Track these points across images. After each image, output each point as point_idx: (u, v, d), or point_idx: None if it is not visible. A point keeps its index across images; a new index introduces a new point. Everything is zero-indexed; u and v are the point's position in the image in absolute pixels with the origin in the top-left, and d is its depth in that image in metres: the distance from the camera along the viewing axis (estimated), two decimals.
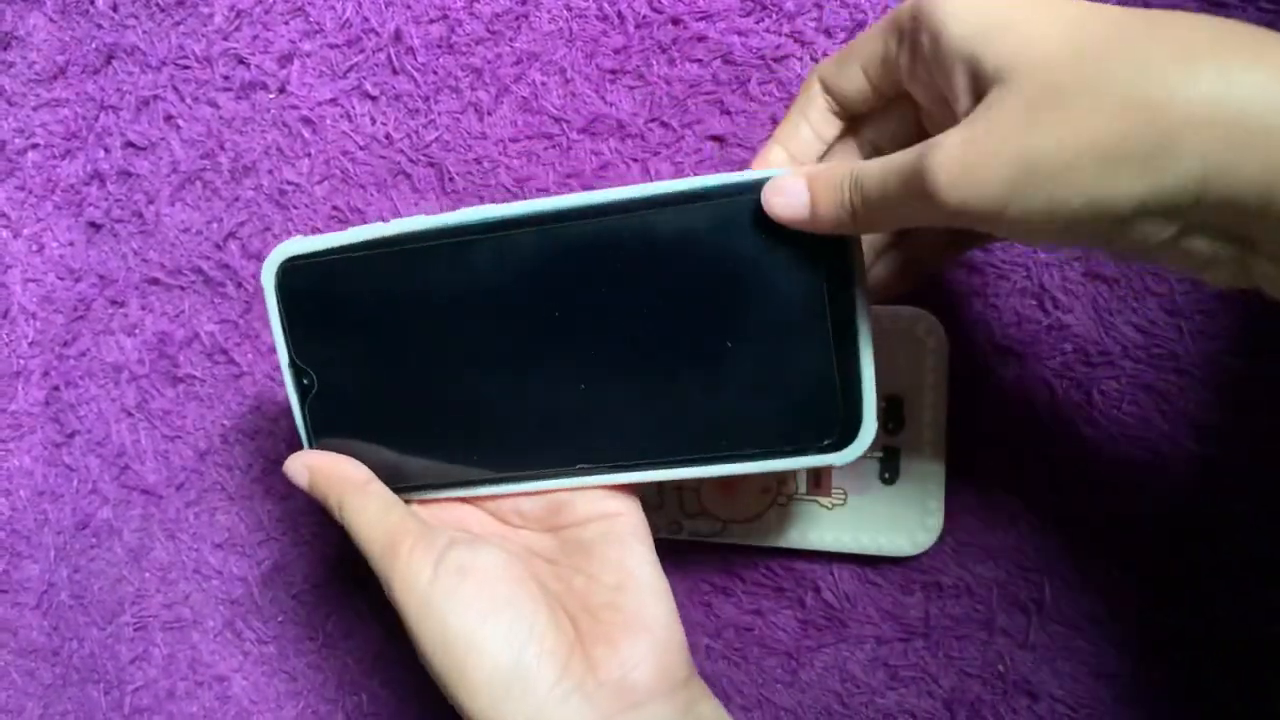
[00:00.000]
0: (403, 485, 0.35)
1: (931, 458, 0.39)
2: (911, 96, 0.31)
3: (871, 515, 0.40)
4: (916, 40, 0.28)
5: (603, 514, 0.34)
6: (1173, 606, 0.39)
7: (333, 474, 0.35)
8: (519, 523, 0.35)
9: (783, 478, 0.41)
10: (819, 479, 0.41)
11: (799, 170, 0.30)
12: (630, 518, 0.34)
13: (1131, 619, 0.39)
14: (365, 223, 0.45)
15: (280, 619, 0.48)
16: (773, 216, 0.30)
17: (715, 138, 0.42)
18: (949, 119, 0.27)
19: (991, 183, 0.24)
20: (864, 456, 0.38)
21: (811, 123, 0.33)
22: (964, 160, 0.24)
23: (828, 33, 0.41)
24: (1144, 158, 0.22)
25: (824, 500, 0.40)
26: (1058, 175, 0.23)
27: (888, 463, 0.40)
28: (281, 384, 0.46)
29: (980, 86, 0.26)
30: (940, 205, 0.25)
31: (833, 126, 0.33)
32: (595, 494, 0.34)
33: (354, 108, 0.45)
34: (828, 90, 0.32)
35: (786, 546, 0.41)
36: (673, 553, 0.43)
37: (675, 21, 0.42)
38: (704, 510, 0.41)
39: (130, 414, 0.49)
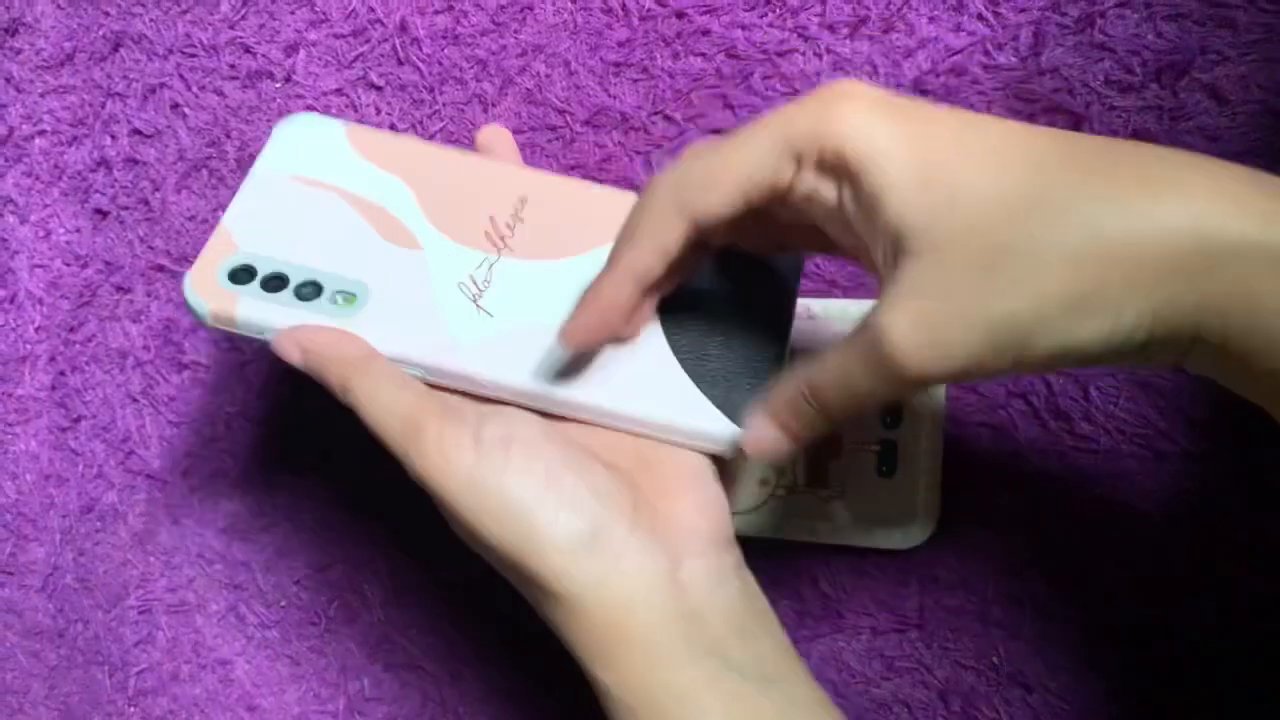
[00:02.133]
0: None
1: (928, 451, 0.40)
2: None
3: (868, 508, 0.40)
4: (834, 178, 0.27)
5: None
6: (1167, 601, 0.39)
7: (331, 353, 0.33)
8: None
9: (781, 470, 0.41)
10: (817, 472, 0.41)
11: (757, 409, 0.31)
12: None
13: (1125, 613, 0.40)
14: None
15: (283, 603, 0.49)
16: (761, 459, 0.32)
17: (718, 131, 0.42)
18: (846, 239, 0.29)
19: (959, 351, 0.25)
20: (862, 449, 0.39)
21: (666, 251, 0.30)
22: (928, 334, 0.25)
23: (831, 28, 0.41)
24: (1102, 303, 0.23)
25: (821, 492, 0.41)
26: (1025, 334, 0.24)
27: (885, 456, 0.40)
28: (282, 368, 0.47)
29: (908, 246, 0.25)
30: (906, 381, 0.26)
31: (680, 247, 0.30)
32: None
33: (359, 98, 0.46)
34: (688, 215, 0.29)
35: (784, 539, 0.41)
36: None
37: (679, 15, 0.42)
38: None
39: (135, 399, 0.49)
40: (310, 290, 0.34)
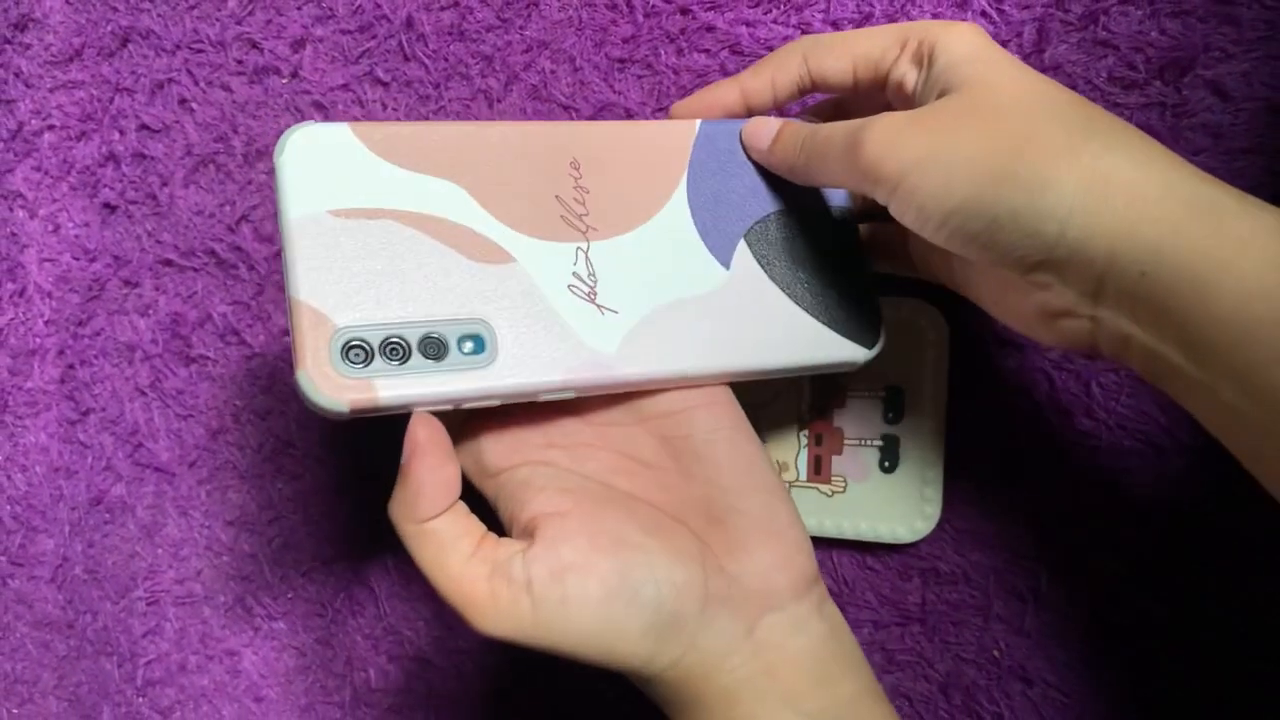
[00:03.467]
0: None
1: (931, 447, 0.40)
2: (872, 98, 0.35)
3: (871, 502, 0.41)
4: (918, 66, 0.32)
5: (692, 405, 0.33)
6: (1168, 595, 0.40)
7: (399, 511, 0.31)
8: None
9: (784, 465, 0.41)
10: (819, 466, 0.41)
11: (779, 120, 0.35)
12: (727, 407, 0.34)
13: (1127, 607, 0.40)
14: None
15: (290, 595, 0.49)
16: (744, 142, 0.36)
17: None
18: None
19: (902, 154, 0.29)
20: (865, 445, 0.39)
21: (775, 84, 0.36)
22: (891, 132, 0.29)
23: (834, 25, 0.41)
24: (1027, 180, 0.27)
25: (824, 487, 0.41)
26: (954, 166, 0.28)
27: (888, 451, 0.40)
28: (290, 364, 0.47)
29: (953, 75, 0.30)
30: (856, 161, 0.30)
31: (792, 94, 0.36)
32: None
33: (365, 93, 0.46)
34: (807, 65, 0.35)
35: None
36: None
37: (684, 11, 0.42)
38: None
39: (144, 393, 0.50)
40: (437, 346, 0.31)
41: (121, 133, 0.49)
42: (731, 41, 0.42)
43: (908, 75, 0.32)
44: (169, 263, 0.49)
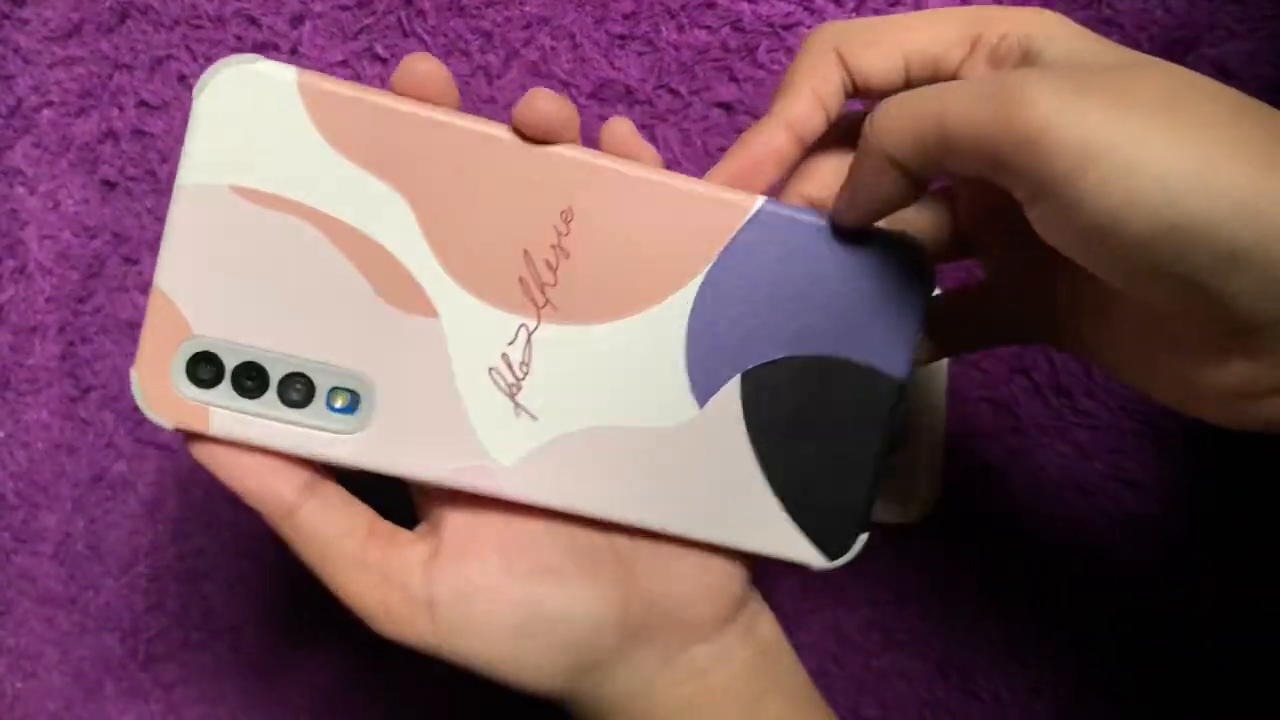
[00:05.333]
0: None
1: (930, 427, 0.40)
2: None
3: None
4: (1003, 60, 0.25)
5: None
6: (1166, 577, 0.40)
7: (258, 499, 0.27)
8: None
9: None
10: None
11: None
12: None
13: (1124, 588, 0.40)
14: None
15: (294, 572, 0.49)
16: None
17: (723, 105, 0.42)
18: None
19: (1102, 129, 0.20)
20: None
21: (824, 102, 0.28)
22: (1071, 90, 0.20)
23: (837, 2, 0.41)
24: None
25: None
26: (1181, 161, 0.19)
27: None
28: None
29: None
30: (1011, 125, 0.21)
31: (839, 102, 0.28)
32: None
33: (365, 70, 0.46)
34: (845, 65, 0.27)
35: None
36: None
37: None
38: None
39: None
40: (301, 391, 0.26)
41: (121, 109, 0.49)
42: (733, 18, 0.42)
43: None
44: None
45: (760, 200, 0.27)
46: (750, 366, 0.27)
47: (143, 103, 0.48)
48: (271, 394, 0.25)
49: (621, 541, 0.29)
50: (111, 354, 0.50)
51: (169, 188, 0.48)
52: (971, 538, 0.41)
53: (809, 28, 0.41)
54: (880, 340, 0.27)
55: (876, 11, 0.41)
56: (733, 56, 0.42)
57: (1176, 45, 0.38)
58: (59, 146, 0.49)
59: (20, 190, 0.50)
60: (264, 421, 0.26)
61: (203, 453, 0.26)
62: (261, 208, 0.25)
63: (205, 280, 0.25)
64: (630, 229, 0.26)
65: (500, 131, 0.26)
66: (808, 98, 0.27)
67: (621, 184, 0.26)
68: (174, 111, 0.48)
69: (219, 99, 0.24)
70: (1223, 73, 0.37)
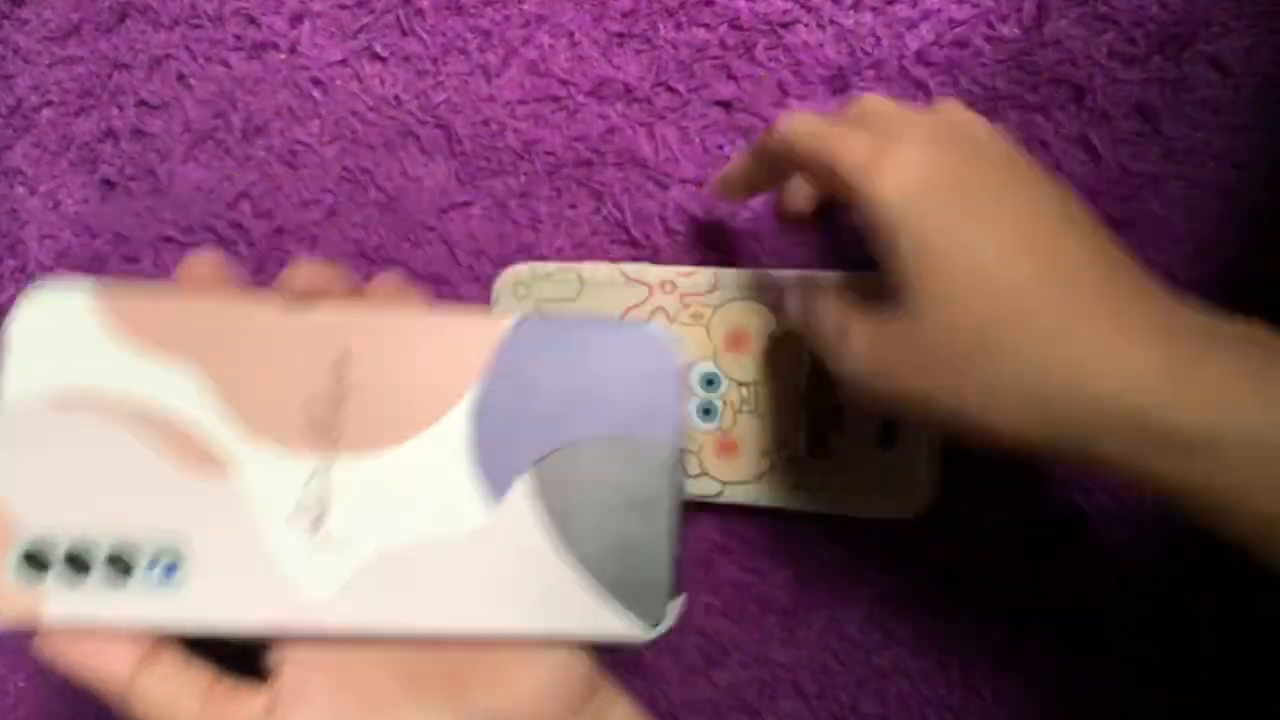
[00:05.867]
0: None
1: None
2: None
3: (870, 478, 0.41)
4: (854, 208, 0.30)
5: None
6: (1170, 570, 0.40)
7: (93, 676, 0.27)
8: None
9: (783, 440, 0.41)
10: (818, 442, 0.41)
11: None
12: None
13: (1127, 584, 0.40)
14: (374, 183, 0.46)
15: None
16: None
17: (721, 103, 0.42)
18: None
19: (881, 394, 0.30)
20: (864, 420, 0.39)
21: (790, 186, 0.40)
22: (864, 367, 0.30)
23: None
24: (991, 429, 0.28)
25: (822, 463, 0.41)
26: (928, 416, 0.29)
27: (886, 427, 0.40)
28: None
29: (895, 284, 0.29)
30: (844, 386, 0.31)
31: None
32: None
33: (363, 69, 0.46)
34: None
35: (785, 508, 0.42)
36: None
37: None
38: (704, 473, 0.42)
39: None
40: (122, 567, 0.27)
41: (120, 109, 0.49)
42: (731, 16, 0.42)
43: (855, 214, 0.31)
44: (169, 239, 0.49)
45: (516, 315, 0.30)
46: (534, 461, 0.29)
47: (142, 102, 0.48)
48: (98, 574, 0.27)
49: (455, 655, 0.29)
50: None
51: (169, 187, 0.48)
52: (971, 535, 0.41)
53: (807, 26, 0.41)
54: (648, 413, 0.30)
55: (874, 10, 0.41)
56: (731, 54, 0.42)
57: (1173, 41, 0.38)
58: (59, 146, 0.50)
59: (20, 190, 0.50)
60: (94, 602, 0.27)
61: (45, 648, 0.28)
62: (74, 409, 0.28)
63: (29, 483, 0.27)
64: (402, 362, 0.29)
65: (274, 302, 0.29)
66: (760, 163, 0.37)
67: (387, 325, 0.29)
68: (174, 111, 0.48)
69: (28, 324, 0.28)
70: (1219, 69, 0.38)
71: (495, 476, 0.29)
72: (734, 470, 0.42)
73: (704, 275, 0.41)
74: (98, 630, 0.27)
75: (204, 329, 0.28)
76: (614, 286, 0.42)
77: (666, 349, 0.30)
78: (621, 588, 0.29)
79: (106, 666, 0.27)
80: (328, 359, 0.29)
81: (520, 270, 0.43)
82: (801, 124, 0.32)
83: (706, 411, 0.41)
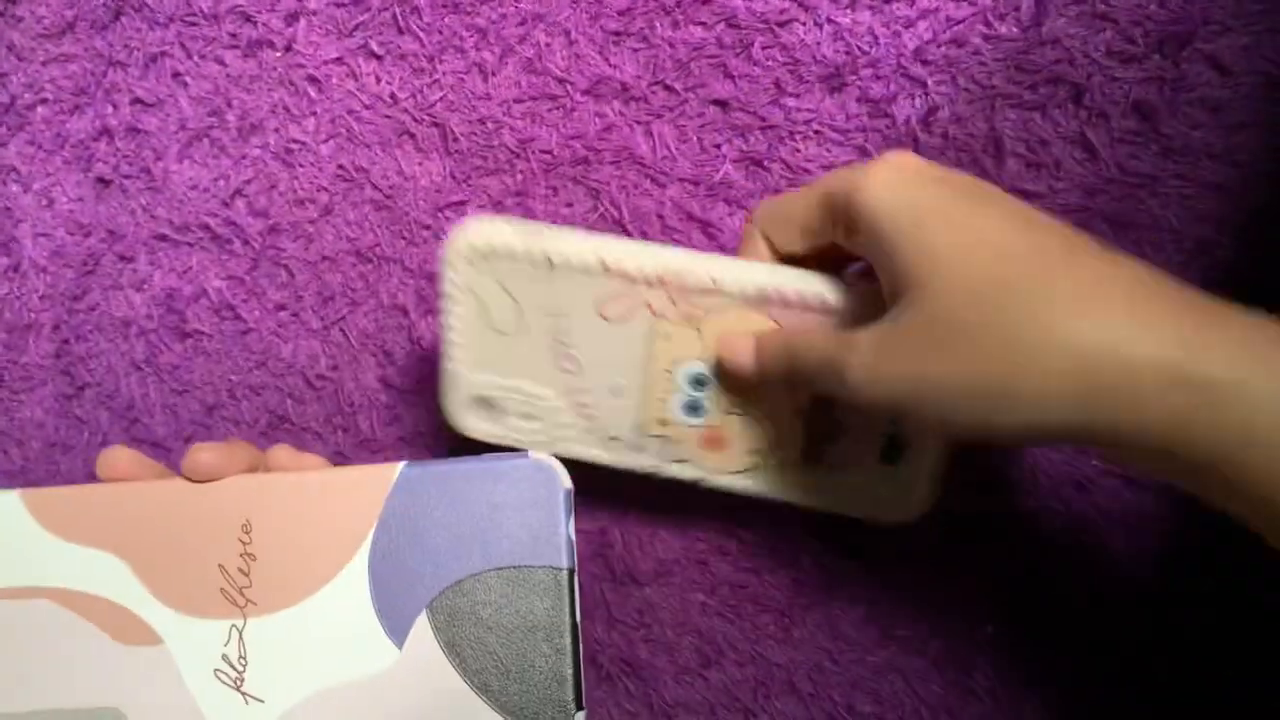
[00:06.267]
0: None
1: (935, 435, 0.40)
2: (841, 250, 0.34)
3: (869, 479, 0.40)
4: (851, 226, 0.31)
5: None
6: (1169, 573, 0.40)
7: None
8: None
9: (777, 440, 0.41)
10: (818, 444, 0.41)
11: (748, 338, 0.36)
12: None
13: (1125, 586, 0.40)
14: (370, 181, 0.45)
15: None
16: (725, 365, 0.36)
17: (718, 101, 0.42)
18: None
19: (892, 393, 0.29)
20: (867, 425, 0.38)
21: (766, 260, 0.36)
22: (873, 368, 0.30)
23: None
24: (1015, 398, 0.27)
25: (822, 466, 0.41)
26: (943, 403, 0.28)
27: (891, 442, 0.40)
28: (284, 339, 0.47)
29: (899, 284, 0.29)
30: (851, 399, 0.31)
31: (776, 259, 0.36)
32: None
33: (359, 67, 0.46)
34: (774, 247, 0.36)
35: (783, 500, 0.41)
36: (671, 510, 0.44)
37: None
38: (687, 460, 0.41)
39: (139, 368, 0.50)
40: None
41: (115, 106, 0.49)
42: (728, 14, 0.42)
43: (856, 248, 0.32)
44: (163, 237, 0.49)
45: (401, 465, 0.32)
46: (431, 598, 0.31)
47: (137, 100, 0.48)
48: None
49: None
50: (106, 352, 0.50)
51: (164, 185, 0.48)
52: (969, 534, 0.41)
53: (803, 24, 0.41)
54: (537, 541, 0.31)
55: (871, 9, 0.41)
56: (728, 53, 0.42)
57: (1171, 40, 0.38)
58: (53, 144, 0.49)
59: (14, 188, 0.50)
60: None
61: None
62: (10, 599, 0.31)
63: None
64: (300, 522, 0.31)
65: (179, 484, 0.32)
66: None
67: (281, 490, 0.32)
68: (169, 108, 0.48)
69: None
70: (1217, 68, 0.37)
71: (395, 618, 0.31)
72: (720, 461, 0.41)
73: (700, 275, 0.39)
74: None
75: (121, 517, 0.31)
76: (589, 275, 0.37)
77: (551, 476, 0.32)
78: (527, 712, 0.31)
79: None
80: (234, 529, 0.31)
81: (479, 237, 0.37)
82: (771, 204, 0.35)
83: (693, 409, 0.40)
